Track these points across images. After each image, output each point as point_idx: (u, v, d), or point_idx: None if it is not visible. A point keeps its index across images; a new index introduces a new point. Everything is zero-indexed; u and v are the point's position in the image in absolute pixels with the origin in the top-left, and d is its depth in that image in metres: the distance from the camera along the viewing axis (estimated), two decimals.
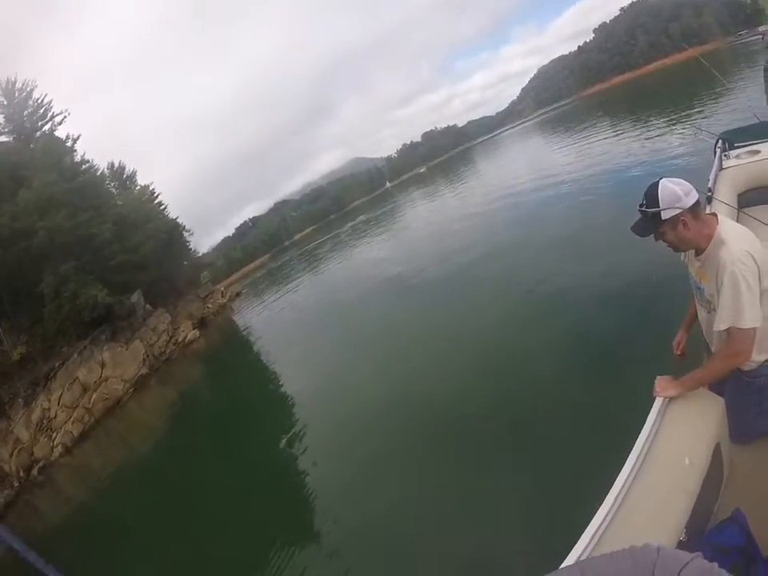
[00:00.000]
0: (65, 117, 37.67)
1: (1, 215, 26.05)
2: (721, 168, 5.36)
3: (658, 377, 2.45)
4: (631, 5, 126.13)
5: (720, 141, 6.00)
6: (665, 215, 2.23)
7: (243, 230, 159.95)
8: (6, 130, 35.43)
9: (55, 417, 20.12)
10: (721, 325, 2.18)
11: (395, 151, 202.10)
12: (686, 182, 2.24)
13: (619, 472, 2.05)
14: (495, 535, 4.90)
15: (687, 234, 2.25)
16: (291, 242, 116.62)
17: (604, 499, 1.96)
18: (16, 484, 17.44)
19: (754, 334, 2.13)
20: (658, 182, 2.25)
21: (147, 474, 13.07)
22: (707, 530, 2.11)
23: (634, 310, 7.69)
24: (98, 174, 39.66)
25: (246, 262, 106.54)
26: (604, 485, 2.03)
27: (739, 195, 4.93)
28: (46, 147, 33.15)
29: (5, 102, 35.30)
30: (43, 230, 26.40)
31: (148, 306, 33.07)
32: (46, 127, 36.80)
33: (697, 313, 2.70)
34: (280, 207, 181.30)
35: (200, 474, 11.11)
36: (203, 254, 59.94)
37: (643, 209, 2.30)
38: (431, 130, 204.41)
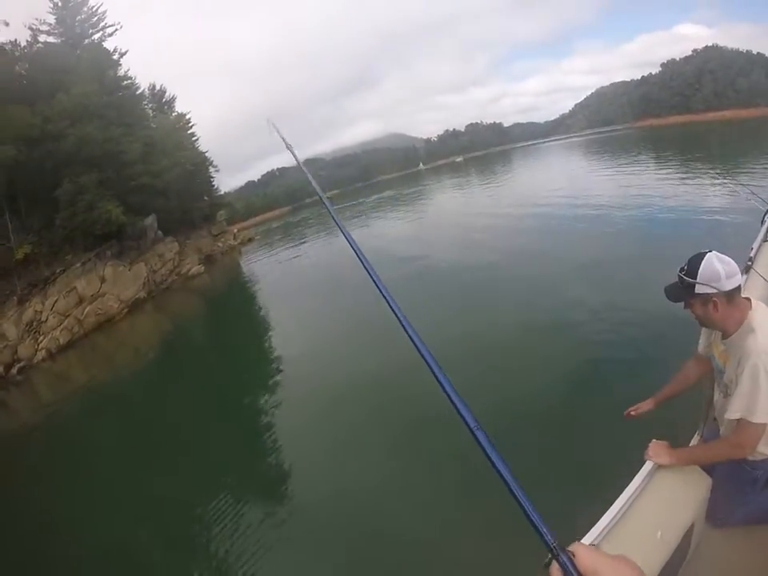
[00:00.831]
0: (116, 29, 37.29)
1: (34, 114, 26.06)
2: (766, 239, 5.07)
3: (653, 441, 2.41)
4: (705, 49, 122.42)
5: None
6: (698, 289, 2.16)
7: (268, 178, 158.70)
8: (56, 31, 34.91)
9: (46, 321, 20.33)
10: (733, 414, 2.12)
11: (435, 135, 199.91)
12: (734, 264, 2.15)
13: (592, 527, 1.98)
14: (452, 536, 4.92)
15: (715, 315, 2.18)
16: (313, 201, 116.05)
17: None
18: None
19: (764, 430, 2.08)
20: (705, 253, 2.16)
21: (123, 395, 13.27)
22: None
23: (638, 355, 7.48)
24: (138, 93, 39.56)
25: (264, 210, 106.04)
26: (573, 533, 1.89)
27: None
28: (92, 56, 33.05)
29: (59, 4, 34.76)
30: (73, 137, 26.48)
31: (159, 232, 33.26)
32: (96, 36, 36.37)
33: (677, 391, 2.71)
34: (310, 164, 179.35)
35: (175, 406, 11.28)
36: (225, 193, 59.64)
37: (682, 274, 2.23)
38: (476, 123, 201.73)
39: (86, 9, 35.96)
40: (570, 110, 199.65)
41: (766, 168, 21.69)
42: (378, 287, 1.79)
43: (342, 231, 2.06)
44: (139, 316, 23.66)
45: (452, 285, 14.46)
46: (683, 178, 23.51)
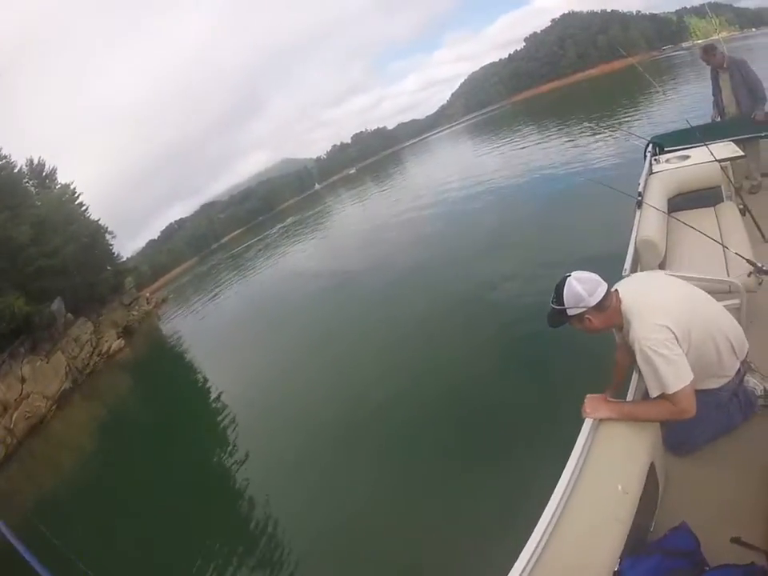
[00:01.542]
0: None
1: None
2: (651, 172, 5.52)
3: (588, 396, 2.43)
4: (562, 17, 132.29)
5: (650, 145, 6.22)
6: (570, 312, 2.35)
7: (169, 233, 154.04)
8: None
9: None
10: (653, 392, 2.25)
11: (324, 152, 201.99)
12: (595, 278, 2.34)
13: (549, 498, 1.99)
14: (422, 545, 5.12)
15: (594, 326, 2.36)
16: (219, 245, 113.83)
17: (534, 528, 1.90)
18: None
19: (688, 390, 2.14)
20: (566, 279, 2.35)
21: (78, 497, 12.61)
22: (649, 542, 2.12)
23: None
24: (16, 171, 37.67)
25: (171, 267, 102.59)
26: (535, 508, 2.00)
27: (669, 200, 5.05)
28: None
29: None
30: None
31: (69, 314, 31.49)
32: None
33: (621, 379, 2.90)
34: (207, 209, 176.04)
35: (134, 491, 10.82)
36: (127, 259, 57.57)
37: (553, 304, 2.40)
38: (361, 132, 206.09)
39: None
40: (447, 101, 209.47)
41: (637, 110, 24.41)
42: None
43: None
44: (70, 410, 22.33)
45: (367, 299, 14.99)
46: (566, 138, 25.85)
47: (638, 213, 4.66)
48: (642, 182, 5.26)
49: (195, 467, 10.66)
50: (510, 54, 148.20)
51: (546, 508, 1.96)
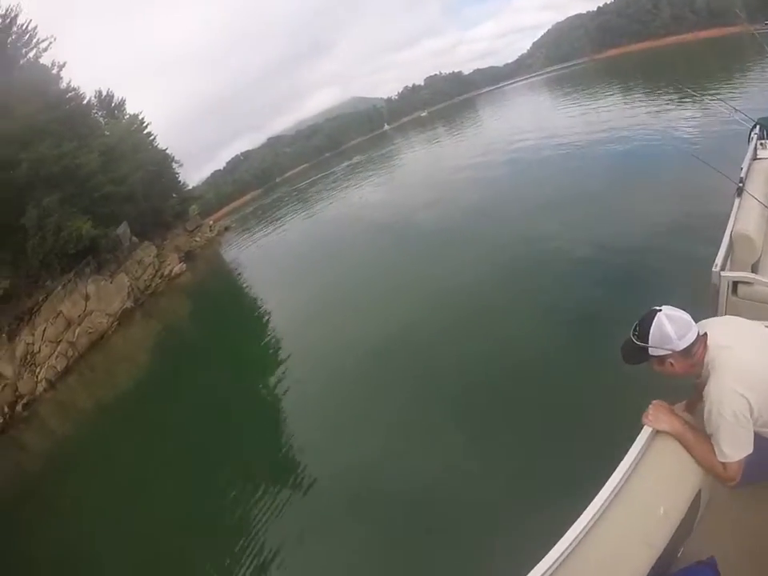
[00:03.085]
0: (50, 43, 35.50)
1: None
2: (755, 157, 4.97)
3: (654, 402, 2.27)
4: None
5: (757, 126, 5.50)
6: (652, 352, 2.13)
7: (234, 164, 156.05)
8: None
9: (39, 351, 20.30)
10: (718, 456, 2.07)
11: (396, 93, 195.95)
12: (687, 319, 2.10)
13: (589, 504, 1.89)
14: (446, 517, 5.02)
15: (674, 371, 2.15)
16: (283, 179, 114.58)
17: (565, 533, 1.82)
18: (0, 420, 17.67)
19: (741, 463, 2.01)
20: (655, 313, 2.12)
21: (131, 408, 13.42)
22: (673, 570, 2.03)
23: (634, 291, 7.28)
24: (85, 102, 38.33)
25: (236, 197, 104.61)
26: (571, 508, 1.93)
27: None
28: (30, 75, 31.96)
29: None
30: (26, 161, 25.84)
31: (134, 238, 32.96)
32: (30, 54, 34.89)
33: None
34: (273, 143, 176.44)
35: (183, 408, 11.48)
36: (192, 187, 58.96)
37: (634, 338, 2.18)
38: (435, 75, 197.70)
39: (15, 29, 34.65)
40: (528, 50, 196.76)
41: (738, 85, 21.26)
42: None
43: None
44: (130, 327, 23.64)
45: (427, 244, 14.61)
46: (655, 104, 23.29)
47: (736, 201, 4.19)
48: (744, 167, 4.70)
49: (239, 389, 11.18)
50: (598, 7, 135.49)
51: (582, 515, 1.87)
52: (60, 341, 21.10)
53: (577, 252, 9.77)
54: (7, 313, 21.77)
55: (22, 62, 34.16)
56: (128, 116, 45.02)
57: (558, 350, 6.95)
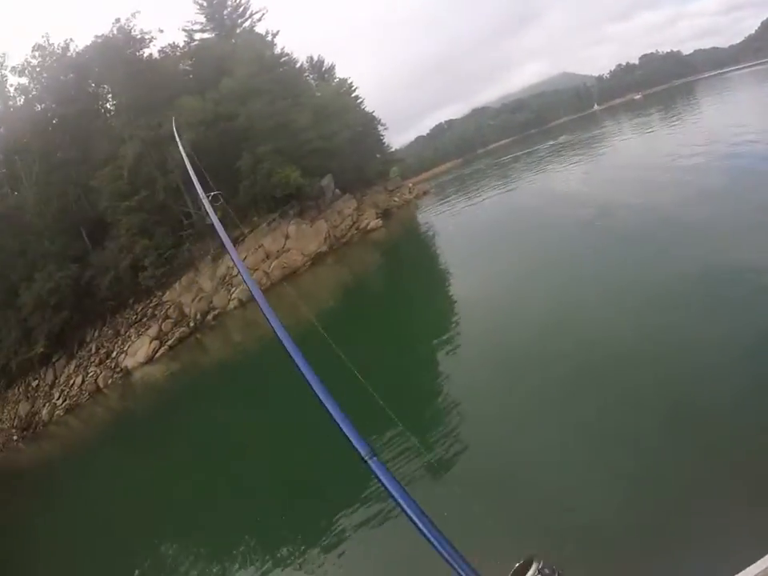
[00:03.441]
0: (263, 14, 39.89)
1: (206, 101, 28.77)
2: None
3: None
4: None
5: None
6: None
7: (437, 132, 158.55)
8: (208, 28, 38.60)
9: (236, 275, 21.88)
10: None
11: (608, 71, 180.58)
12: None
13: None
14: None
15: None
16: (485, 151, 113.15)
17: None
18: (192, 324, 19.75)
19: None
20: None
21: (308, 336, 13.34)
22: None
23: None
24: (297, 66, 41.09)
25: (436, 164, 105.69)
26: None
27: None
28: (247, 42, 35.55)
29: (204, 4, 38.24)
30: (243, 115, 28.54)
31: (337, 190, 34.38)
32: (246, 24, 39.35)
33: None
34: (477, 114, 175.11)
35: (348, 348, 10.98)
36: (395, 150, 60.39)
37: None
38: (651, 53, 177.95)
39: (230, 2, 39.03)
40: (756, 30, 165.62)
41: None
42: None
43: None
44: (321, 268, 24.60)
45: (634, 233, 12.72)
46: None
47: None
48: None
49: (405, 344, 11.15)
50: None
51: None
52: (257, 269, 22.72)
53: None
54: (216, 239, 23.73)
55: (238, 31, 38.52)
56: (337, 80, 47.04)
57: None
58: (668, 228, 12.26)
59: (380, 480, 1.17)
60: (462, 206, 32.38)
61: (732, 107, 43.16)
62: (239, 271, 2.24)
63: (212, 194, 3.42)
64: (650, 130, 42.48)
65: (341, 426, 1.34)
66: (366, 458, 1.22)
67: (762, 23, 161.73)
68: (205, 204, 2.94)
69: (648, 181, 18.67)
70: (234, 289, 21.50)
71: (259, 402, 9.59)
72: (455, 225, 26.35)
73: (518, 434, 6.19)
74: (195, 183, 3.24)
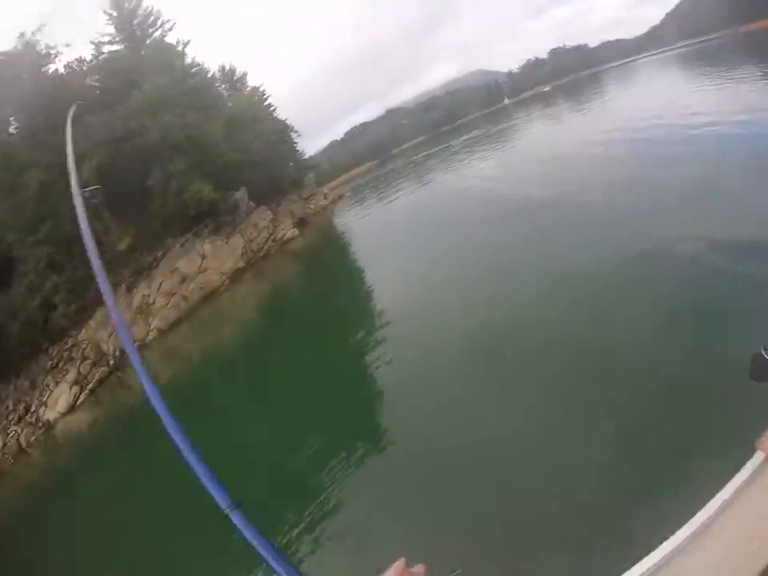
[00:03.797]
0: (174, 24, 38.84)
1: (116, 116, 27.86)
2: None
3: None
4: None
5: None
6: None
7: (352, 135, 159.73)
8: (117, 39, 37.14)
9: (154, 302, 21.77)
10: None
11: (518, 67, 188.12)
12: None
13: (681, 525, 1.73)
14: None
15: None
16: (399, 151, 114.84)
17: (651, 552, 1.66)
18: (111, 362, 19.10)
19: None
20: None
21: (231, 359, 13.84)
22: None
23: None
24: (209, 76, 40.59)
25: (351, 167, 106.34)
26: (658, 529, 1.79)
27: None
28: (156, 52, 34.67)
29: (114, 14, 36.94)
30: (154, 129, 27.85)
31: (251, 203, 34.31)
32: (156, 34, 38.18)
33: None
34: (391, 114, 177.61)
35: (280, 362, 11.84)
36: (310, 156, 60.48)
37: (765, 353, 1.86)
38: (559, 48, 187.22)
39: (140, 12, 37.86)
40: (661, 21, 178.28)
41: None
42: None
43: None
44: (240, 285, 24.67)
45: (546, 220, 13.64)
46: None
47: None
48: None
49: (334, 351, 11.24)
50: None
51: (669, 540, 1.70)
52: (174, 293, 22.50)
53: (720, 254, 8.35)
54: (129, 267, 23.46)
55: (148, 42, 37.35)
56: (249, 88, 46.80)
57: (676, 353, 6.24)
58: (582, 213, 13.42)
59: (242, 534, 1.13)
60: (377, 207, 33.35)
61: (635, 92, 46.81)
62: (110, 314, 2.09)
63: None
64: (558, 119, 45.33)
65: (199, 475, 1.30)
66: (227, 510, 1.16)
67: (667, 14, 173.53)
68: (77, 205, 2.60)
69: (558, 170, 20.02)
70: (152, 318, 21.06)
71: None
72: (372, 227, 27.10)
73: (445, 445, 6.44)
74: (72, 178, 2.84)
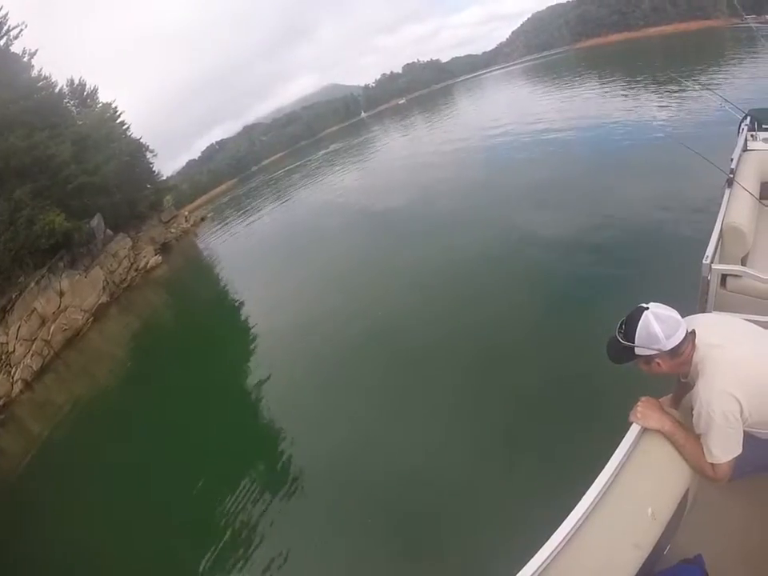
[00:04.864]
0: (21, 30, 34.35)
1: None
2: (746, 148, 4.97)
3: (642, 398, 2.19)
4: None
5: (747, 118, 5.54)
6: (638, 351, 2.08)
7: (209, 154, 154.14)
8: None
9: (14, 351, 19.80)
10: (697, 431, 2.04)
11: (373, 81, 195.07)
12: (675, 317, 2.04)
13: (577, 502, 1.85)
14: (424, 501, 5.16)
15: (662, 370, 2.12)
16: (259, 168, 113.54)
17: (550, 536, 1.78)
18: None
19: (731, 464, 1.98)
20: (642, 311, 2.05)
21: (110, 406, 13.30)
22: (658, 571, 1.98)
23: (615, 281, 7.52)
24: (57, 91, 37.46)
25: (211, 187, 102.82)
26: (557, 508, 1.91)
27: (762, 184, 4.56)
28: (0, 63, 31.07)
29: None
30: None
31: (108, 230, 32.27)
32: (0, 42, 33.88)
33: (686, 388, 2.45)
34: (249, 131, 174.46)
35: (161, 404, 11.50)
36: (167, 177, 57.87)
37: (620, 337, 2.12)
38: (413, 63, 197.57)
39: None
40: (507, 38, 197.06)
41: (731, 77, 21.37)
42: None
43: None
44: (106, 322, 23.32)
45: (405, 230, 14.90)
46: (635, 93, 23.95)
47: (727, 192, 4.23)
48: (734, 158, 4.70)
49: (217, 382, 11.16)
50: None
51: (569, 516, 1.83)
52: (35, 339, 20.68)
53: (562, 242, 9.96)
54: None
55: None
56: (101, 105, 43.91)
57: (542, 342, 7.02)
58: (437, 218, 15.01)
59: None
60: (242, 227, 33.11)
61: (483, 103, 51.93)
62: None
63: None
64: (413, 130, 48.55)
65: None
66: None
67: (513, 32, 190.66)
68: None
69: (413, 178, 22.10)
70: (14, 369, 19.25)
71: (75, 510, 8.92)
72: (237, 248, 27.09)
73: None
74: None
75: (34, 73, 34.43)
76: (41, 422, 15.00)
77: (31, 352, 19.93)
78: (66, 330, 21.82)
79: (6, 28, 33.64)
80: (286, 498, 6.40)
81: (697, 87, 16.39)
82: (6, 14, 33.62)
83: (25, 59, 33.90)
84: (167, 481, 8.12)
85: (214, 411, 9.76)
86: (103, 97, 45.08)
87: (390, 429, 6.59)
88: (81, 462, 10.88)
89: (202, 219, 50.93)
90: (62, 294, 23.39)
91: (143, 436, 10.38)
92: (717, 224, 3.86)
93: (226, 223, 39.62)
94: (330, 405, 7.77)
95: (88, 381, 16.80)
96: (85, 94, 43.77)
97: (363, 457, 6.38)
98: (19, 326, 20.75)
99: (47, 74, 35.72)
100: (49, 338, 20.92)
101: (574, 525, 1.80)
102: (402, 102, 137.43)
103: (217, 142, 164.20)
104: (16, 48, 33.86)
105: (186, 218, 48.44)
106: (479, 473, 5.25)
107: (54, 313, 22.14)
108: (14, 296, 22.17)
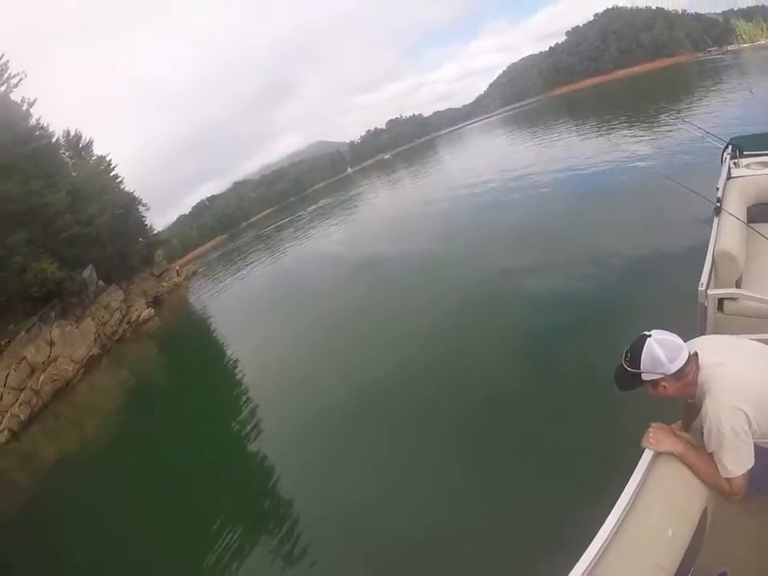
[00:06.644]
0: (21, 79, 34.64)
1: None
2: (729, 176, 5.21)
3: (653, 424, 2.28)
4: (605, 11, 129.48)
5: (729, 147, 5.78)
6: (645, 377, 2.19)
7: (199, 209, 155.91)
8: None
9: (1, 399, 18.94)
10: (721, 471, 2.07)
11: (359, 137, 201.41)
12: (677, 342, 2.16)
13: (598, 530, 1.87)
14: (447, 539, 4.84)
15: (667, 393, 2.20)
16: (249, 224, 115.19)
17: (577, 562, 1.79)
18: None
19: (744, 477, 2.03)
20: (645, 339, 2.17)
21: (100, 461, 12.59)
22: None
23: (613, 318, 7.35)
24: (53, 141, 37.69)
25: (201, 242, 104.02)
26: (578, 540, 1.89)
27: (748, 208, 4.76)
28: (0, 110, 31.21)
29: None
30: None
31: (100, 282, 31.92)
32: (1, 89, 34.13)
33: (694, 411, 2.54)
34: (238, 187, 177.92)
35: (154, 460, 10.86)
36: (159, 232, 58.16)
37: (626, 365, 2.24)
38: (396, 118, 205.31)
39: None
40: (485, 91, 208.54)
41: (707, 107, 22.61)
42: None
43: None
44: (97, 374, 22.53)
45: (397, 284, 14.78)
46: (609, 133, 25.12)
47: (715, 220, 4.36)
48: (720, 186, 4.90)
49: (210, 437, 10.67)
50: (550, 47, 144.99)
51: (591, 545, 1.83)
52: (23, 388, 19.77)
53: (556, 285, 9.85)
54: None
55: None
56: (95, 157, 44.40)
57: (547, 380, 6.85)
58: (426, 265, 15.21)
59: None
60: (232, 282, 32.82)
61: (465, 154, 53.38)
62: None
63: None
64: (398, 184, 49.57)
65: None
66: None
67: (490, 84, 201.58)
68: None
69: (403, 230, 22.20)
70: (1, 418, 18.38)
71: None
72: (228, 303, 26.60)
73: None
74: None
75: (32, 122, 34.72)
76: (25, 475, 14.18)
77: (19, 401, 18.99)
78: (55, 380, 20.95)
79: (6, 75, 33.93)
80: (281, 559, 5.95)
81: (679, 123, 16.98)
82: (7, 61, 34.10)
83: (24, 107, 34.16)
84: (155, 541, 7.54)
85: (204, 467, 9.31)
86: (98, 151, 45.65)
87: (384, 485, 6.25)
88: (68, 517, 10.14)
89: (194, 273, 50.87)
90: (52, 343, 22.63)
91: (132, 493, 9.75)
92: (709, 251, 4.03)
93: (217, 278, 39.40)
94: (329, 459, 7.42)
95: (77, 434, 15.98)
96: (80, 146, 44.23)
97: (357, 517, 5.97)
98: (8, 374, 19.87)
99: (45, 124, 36.16)
100: (38, 387, 20.04)
101: (596, 553, 1.80)
102: (387, 157, 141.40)
103: (207, 198, 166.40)
104: (15, 96, 34.16)
105: (177, 271, 48.23)
106: (491, 512, 5.00)
107: (43, 362, 21.33)
108: (3, 343, 21.39)
